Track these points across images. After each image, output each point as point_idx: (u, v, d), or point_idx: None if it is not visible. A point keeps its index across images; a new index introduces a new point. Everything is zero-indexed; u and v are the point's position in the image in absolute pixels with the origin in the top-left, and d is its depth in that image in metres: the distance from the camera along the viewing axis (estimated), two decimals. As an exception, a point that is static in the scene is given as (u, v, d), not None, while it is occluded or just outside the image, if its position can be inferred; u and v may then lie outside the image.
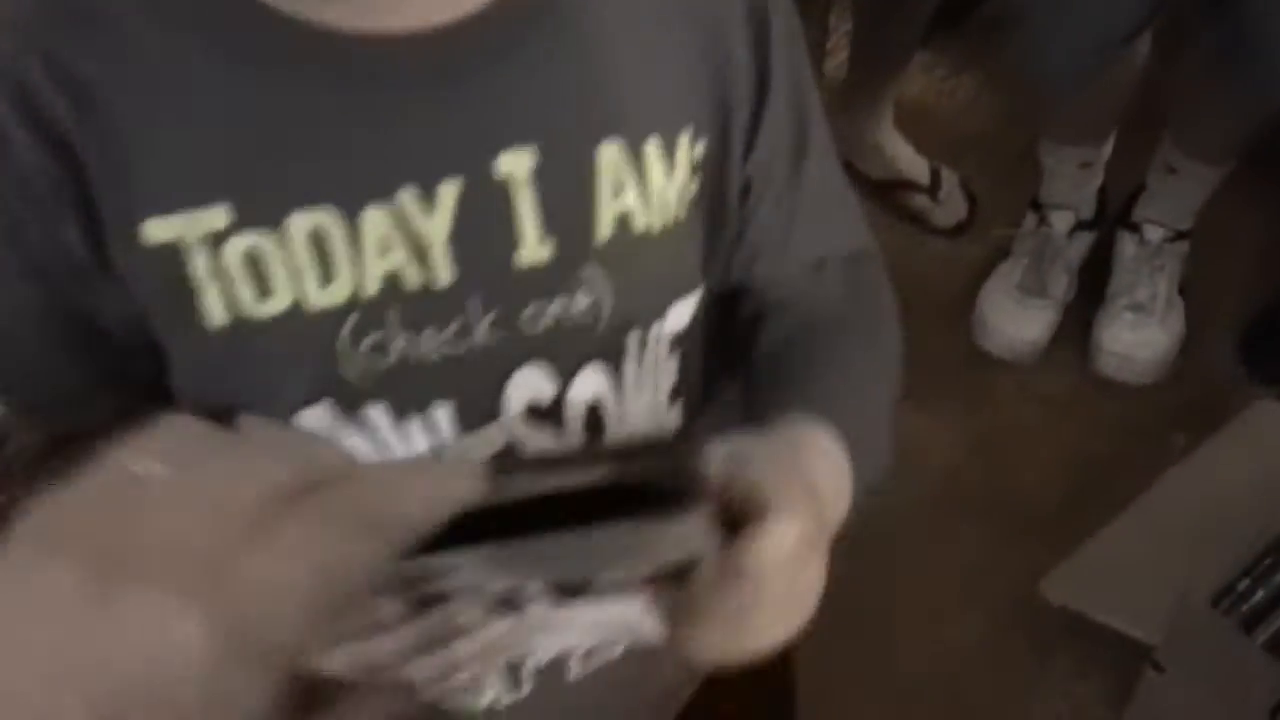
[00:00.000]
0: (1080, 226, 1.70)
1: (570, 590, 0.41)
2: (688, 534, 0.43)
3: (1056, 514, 1.46)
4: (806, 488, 0.50)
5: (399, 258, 0.53)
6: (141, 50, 0.50)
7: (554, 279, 0.56)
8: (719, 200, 0.62)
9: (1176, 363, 1.63)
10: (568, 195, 0.55)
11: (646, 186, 0.57)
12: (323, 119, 0.51)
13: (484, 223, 0.54)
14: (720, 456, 0.47)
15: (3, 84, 0.49)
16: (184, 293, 0.51)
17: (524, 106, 0.54)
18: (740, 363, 0.67)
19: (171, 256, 0.51)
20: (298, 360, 0.53)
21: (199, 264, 0.51)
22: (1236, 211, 1.66)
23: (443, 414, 0.57)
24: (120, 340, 0.55)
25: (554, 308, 0.56)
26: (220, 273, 0.51)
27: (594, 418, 0.60)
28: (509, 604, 0.41)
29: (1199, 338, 1.64)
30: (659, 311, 0.60)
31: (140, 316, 0.53)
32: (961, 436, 1.54)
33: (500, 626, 0.46)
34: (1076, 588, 1.35)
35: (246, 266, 0.51)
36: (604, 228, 0.56)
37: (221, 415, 0.45)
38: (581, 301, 0.57)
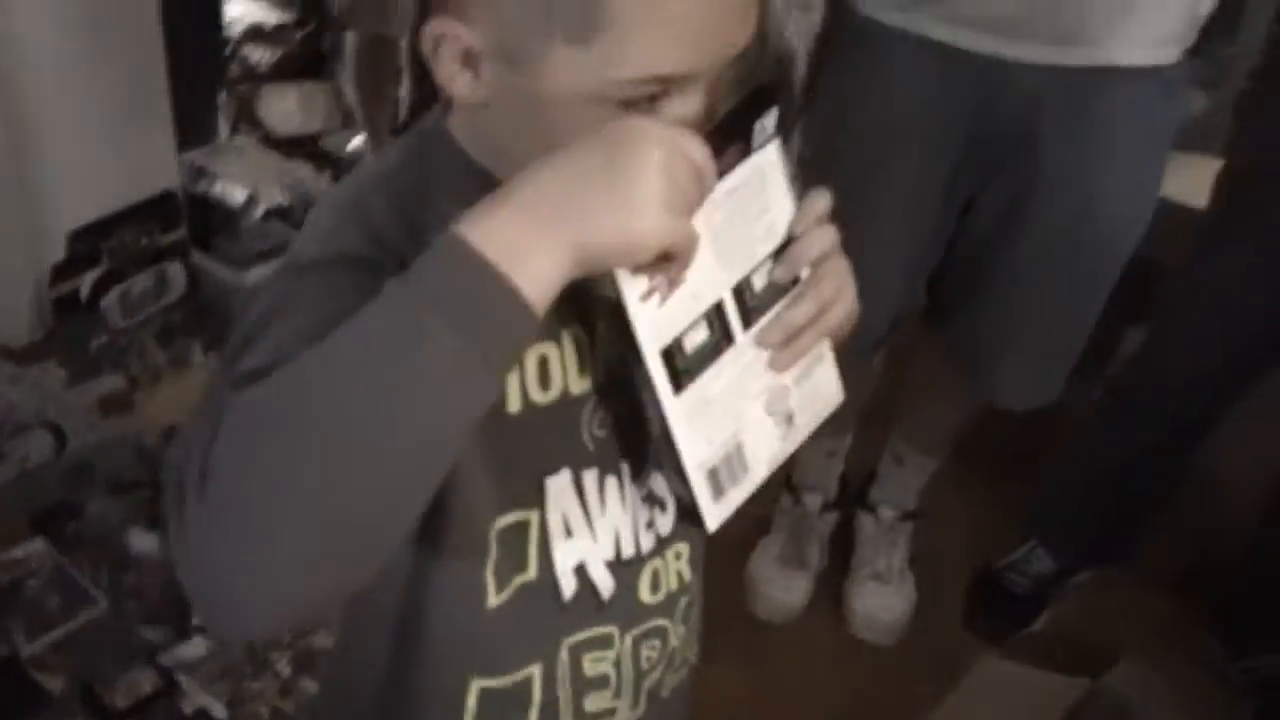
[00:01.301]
0: (828, 506, 1.97)
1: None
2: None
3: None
4: None
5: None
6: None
7: None
8: None
9: (914, 624, 1.89)
10: None
11: None
12: None
13: None
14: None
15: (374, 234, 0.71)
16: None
17: None
18: None
19: None
20: (556, 432, 0.76)
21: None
22: (952, 495, 1.99)
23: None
24: None
25: None
26: (522, 370, 0.73)
27: None
28: None
29: (932, 601, 1.91)
30: None
31: None
32: (741, 686, 1.73)
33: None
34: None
35: (538, 366, 0.74)
36: None
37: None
38: None
